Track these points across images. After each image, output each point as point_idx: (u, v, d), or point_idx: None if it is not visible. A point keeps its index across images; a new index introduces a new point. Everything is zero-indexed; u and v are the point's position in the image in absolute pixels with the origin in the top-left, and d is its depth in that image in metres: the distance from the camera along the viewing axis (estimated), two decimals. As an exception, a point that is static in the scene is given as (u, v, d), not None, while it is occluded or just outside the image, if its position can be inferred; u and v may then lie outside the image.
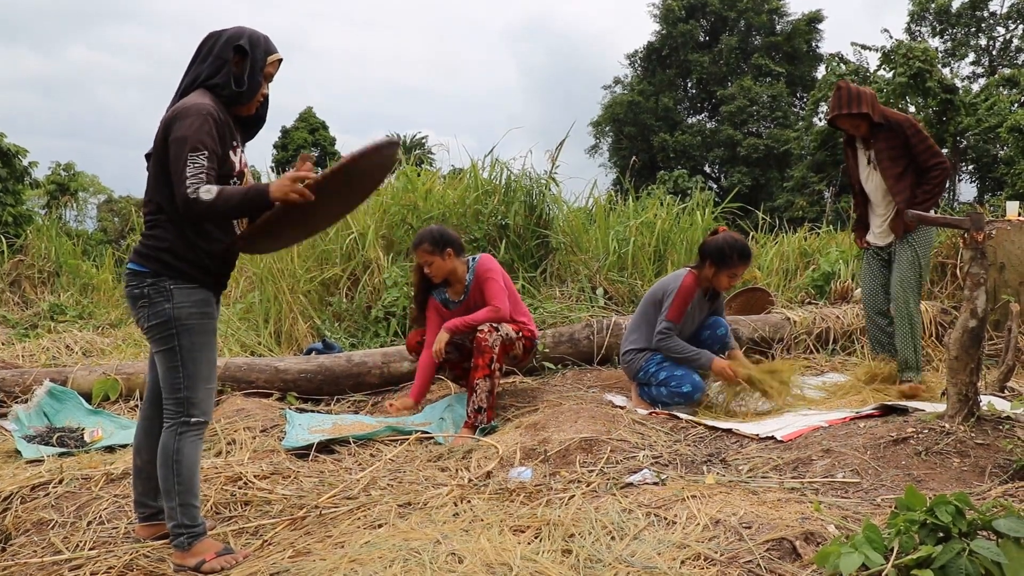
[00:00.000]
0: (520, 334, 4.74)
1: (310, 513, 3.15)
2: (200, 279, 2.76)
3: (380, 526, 2.98)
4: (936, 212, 4.84)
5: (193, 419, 2.76)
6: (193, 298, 2.74)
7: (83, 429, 4.54)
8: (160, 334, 2.73)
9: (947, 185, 5.31)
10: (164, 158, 2.68)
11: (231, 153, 2.75)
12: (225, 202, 2.60)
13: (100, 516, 3.17)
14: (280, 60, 2.90)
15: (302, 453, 4.05)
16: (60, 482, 3.48)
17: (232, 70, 2.76)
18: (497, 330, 4.55)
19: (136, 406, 5.13)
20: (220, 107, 2.74)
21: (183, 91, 2.78)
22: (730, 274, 4.67)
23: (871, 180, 4.99)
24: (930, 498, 2.17)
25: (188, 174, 2.56)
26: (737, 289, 7.40)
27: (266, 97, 2.94)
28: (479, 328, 4.55)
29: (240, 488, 3.46)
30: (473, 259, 4.81)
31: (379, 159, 2.88)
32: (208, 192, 2.57)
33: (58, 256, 10.62)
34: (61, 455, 4.08)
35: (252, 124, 2.97)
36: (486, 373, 4.48)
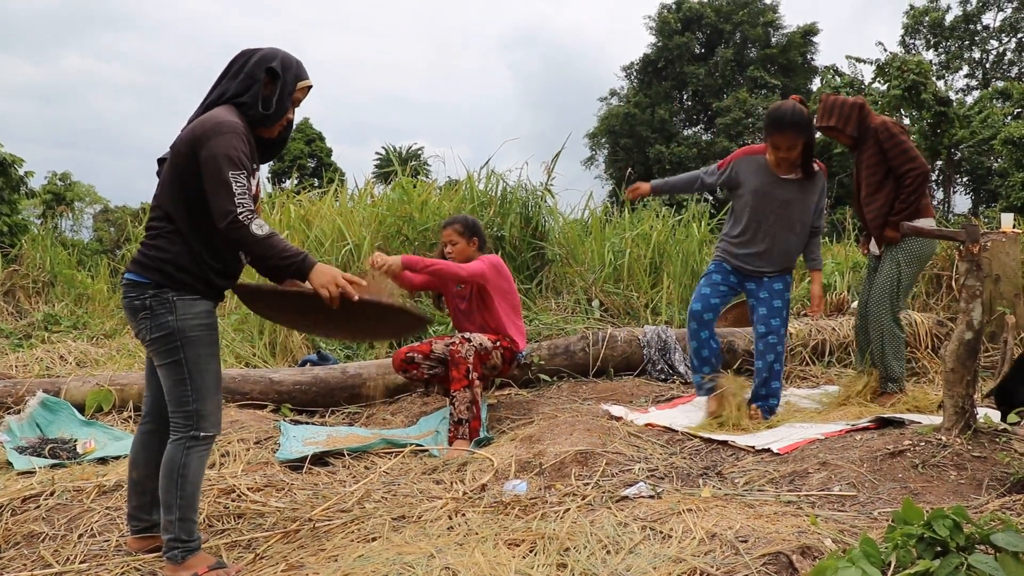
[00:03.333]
0: (497, 343, 4.70)
1: (303, 526, 3.12)
2: (203, 291, 2.74)
3: (374, 540, 2.96)
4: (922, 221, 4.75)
5: (203, 433, 2.73)
6: (196, 309, 2.71)
7: (76, 440, 4.51)
8: (164, 347, 2.69)
9: (926, 190, 5.14)
10: (184, 168, 2.65)
11: (251, 177, 2.73)
12: (269, 247, 2.60)
13: (91, 529, 3.15)
14: (310, 87, 2.89)
15: (296, 465, 4.03)
16: (52, 494, 3.45)
17: (261, 91, 2.75)
18: (469, 341, 4.54)
19: (130, 417, 5.10)
20: (246, 127, 2.72)
21: (209, 105, 2.76)
22: (770, 143, 4.47)
23: None
24: (927, 511, 2.16)
25: (236, 192, 2.55)
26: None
27: (290, 121, 2.92)
28: (451, 341, 4.54)
29: (233, 501, 3.43)
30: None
31: (406, 324, 3.01)
32: (260, 228, 2.57)
33: (53, 266, 10.58)
34: (53, 467, 4.05)
35: (272, 146, 2.95)
36: (464, 384, 4.46)
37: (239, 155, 2.59)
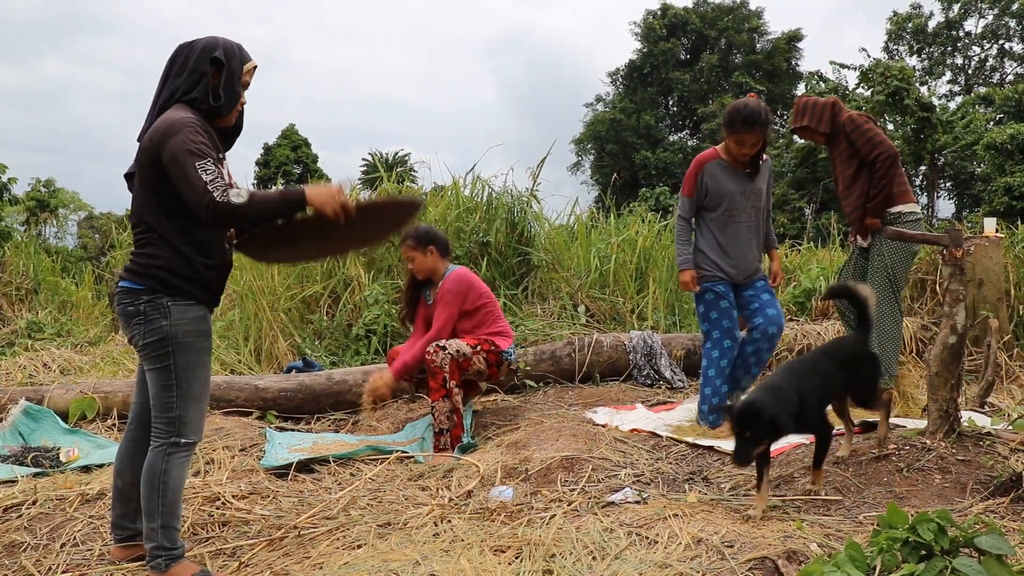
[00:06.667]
0: (478, 347, 4.62)
1: (289, 534, 3.11)
2: (197, 296, 2.73)
3: (359, 547, 2.94)
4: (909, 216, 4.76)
5: (183, 440, 2.72)
6: (190, 315, 2.70)
7: (59, 448, 4.48)
8: (155, 352, 2.68)
9: (899, 173, 5.12)
10: (152, 177, 2.64)
11: (218, 164, 2.72)
12: (260, 203, 2.62)
13: (74, 538, 3.12)
14: (255, 67, 2.87)
15: (281, 472, 4.01)
16: (34, 503, 3.42)
17: (209, 83, 2.73)
18: (444, 349, 4.45)
19: (114, 425, 5.07)
20: (202, 120, 2.71)
21: (161, 107, 2.74)
22: (736, 140, 4.42)
23: None
24: (912, 515, 2.17)
25: (206, 179, 2.53)
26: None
27: (243, 105, 2.91)
28: (426, 351, 4.47)
29: (218, 508, 3.41)
30: (450, 268, 4.77)
31: (405, 214, 3.05)
32: (239, 196, 2.57)
33: (37, 273, 10.51)
34: (35, 475, 4.01)
35: (230, 134, 2.94)
36: (442, 395, 4.41)
37: (198, 146, 2.58)
